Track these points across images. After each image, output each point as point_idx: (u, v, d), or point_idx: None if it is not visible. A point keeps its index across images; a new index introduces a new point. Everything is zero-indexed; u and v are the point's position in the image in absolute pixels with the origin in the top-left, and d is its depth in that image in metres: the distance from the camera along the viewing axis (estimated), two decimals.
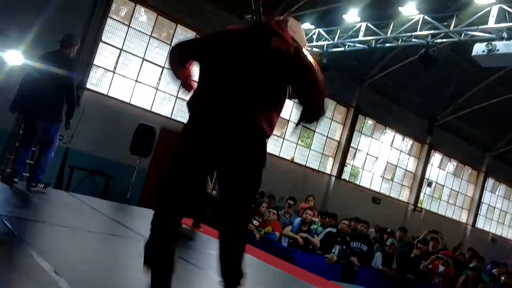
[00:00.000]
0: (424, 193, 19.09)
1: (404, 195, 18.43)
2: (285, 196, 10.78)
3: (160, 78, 11.99)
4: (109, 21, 11.18)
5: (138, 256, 3.63)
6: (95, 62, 11.11)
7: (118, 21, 11.42)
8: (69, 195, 6.50)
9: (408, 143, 18.32)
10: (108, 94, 11.32)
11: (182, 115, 12.37)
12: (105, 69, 11.36)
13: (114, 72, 11.45)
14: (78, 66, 5.61)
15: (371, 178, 17.20)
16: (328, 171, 15.93)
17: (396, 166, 18.03)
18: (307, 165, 15.31)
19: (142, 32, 11.71)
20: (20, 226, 3.69)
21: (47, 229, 3.94)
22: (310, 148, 15.52)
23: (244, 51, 2.55)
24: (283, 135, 14.67)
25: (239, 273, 2.58)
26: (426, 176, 18.78)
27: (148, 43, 11.78)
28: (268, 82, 2.52)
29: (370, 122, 17.06)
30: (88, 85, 10.96)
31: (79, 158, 10.48)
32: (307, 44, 2.87)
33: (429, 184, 19.00)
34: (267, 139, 2.58)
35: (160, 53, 11.96)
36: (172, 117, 12.26)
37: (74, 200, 6.00)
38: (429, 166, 18.79)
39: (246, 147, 2.49)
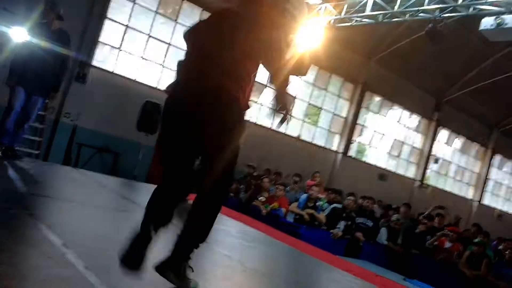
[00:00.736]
0: (431, 170, 19.09)
1: (411, 172, 18.45)
2: (291, 173, 10.85)
3: (166, 55, 11.95)
4: (106, 22, 11.07)
5: None
6: (101, 39, 11.08)
7: (116, 22, 11.30)
8: (77, 171, 6.58)
9: (415, 119, 18.24)
10: (114, 72, 11.32)
11: None
12: (111, 46, 11.34)
13: (119, 49, 11.43)
14: (65, 38, 5.62)
15: (377, 155, 17.21)
16: (334, 148, 15.94)
17: (403, 142, 18.00)
18: (314, 142, 15.32)
19: (147, 8, 11.63)
20: (29, 200, 3.76)
21: (55, 204, 4.01)
22: (317, 125, 15.51)
23: (218, 23, 2.56)
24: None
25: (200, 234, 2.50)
26: (433, 153, 18.75)
27: (153, 19, 11.71)
28: (234, 49, 2.47)
29: (377, 98, 16.97)
30: (94, 63, 10.97)
31: (86, 135, 10.56)
32: (304, 13, 2.77)
33: (436, 161, 18.99)
34: (238, 105, 2.48)
35: (166, 30, 11.90)
36: None
37: (82, 176, 6.09)
38: (436, 142, 18.74)
39: (215, 112, 2.39)
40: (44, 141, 10.27)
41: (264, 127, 13.76)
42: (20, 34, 5.69)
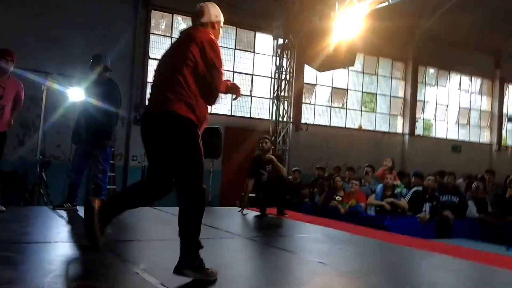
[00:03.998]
0: (506, 130, 18.05)
1: (485, 137, 17.54)
2: (362, 165, 10.63)
3: None
4: (152, 37, 11.47)
5: (231, 253, 3.72)
6: (149, 79, 11.44)
7: (160, 35, 11.70)
8: (155, 209, 6.77)
9: (477, 82, 17.38)
10: None
11: (242, 110, 12.50)
12: None
13: None
14: (113, 87, 5.83)
15: (446, 127, 16.53)
16: (399, 131, 15.48)
17: (470, 109, 17.18)
18: (376, 129, 14.96)
19: None
20: (120, 247, 3.90)
21: (145, 245, 4.13)
22: (375, 112, 15.15)
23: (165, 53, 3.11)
24: (344, 105, 14.41)
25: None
26: (505, 112, 17.74)
27: None
28: (177, 71, 2.86)
29: (431, 70, 16.35)
30: (146, 103, 11.33)
31: None
32: (220, 15, 3.30)
33: (510, 119, 17.95)
34: (187, 122, 2.83)
35: None
36: (232, 113, 12.39)
37: (161, 213, 6.25)
38: (505, 100, 17.74)
39: (163, 131, 2.85)
40: (118, 188, 10.69)
41: (322, 125, 13.62)
42: (77, 95, 6.02)
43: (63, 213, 5.53)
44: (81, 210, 5.79)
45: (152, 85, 3.13)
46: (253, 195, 7.11)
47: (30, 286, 2.61)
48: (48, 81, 6.87)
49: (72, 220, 5.25)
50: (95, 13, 10.18)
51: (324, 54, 9.43)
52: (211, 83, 2.93)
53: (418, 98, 15.68)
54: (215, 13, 3.25)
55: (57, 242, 3.97)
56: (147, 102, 3.11)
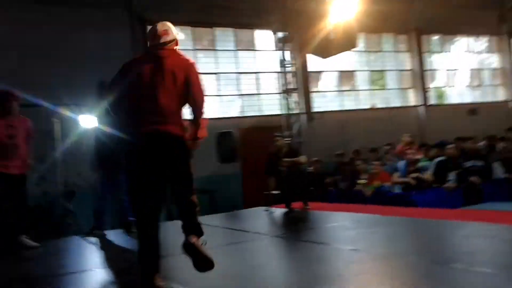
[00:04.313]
0: None
1: (500, 95, 17.23)
2: (381, 144, 10.54)
3: (218, 84, 12.16)
4: None
5: (263, 254, 3.72)
6: None
7: None
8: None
9: (483, 41, 17.06)
10: None
11: (252, 109, 12.47)
12: None
13: None
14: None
15: (459, 92, 16.27)
16: (412, 104, 15.29)
17: (480, 69, 16.88)
18: (390, 106, 14.80)
19: (185, 49, 11.93)
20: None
21: (176, 261, 4.14)
22: (386, 88, 14.98)
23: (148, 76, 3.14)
24: (354, 87, 14.30)
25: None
26: None
27: (195, 57, 11.99)
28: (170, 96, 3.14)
29: (435, 37, 16.11)
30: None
31: None
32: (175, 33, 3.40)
33: None
34: (183, 140, 3.17)
35: (209, 61, 12.13)
36: (243, 114, 12.38)
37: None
38: None
39: (168, 151, 3.12)
40: None
41: (334, 111, 13.53)
42: (88, 122, 6.07)
43: (94, 240, 5.59)
44: (110, 235, 5.88)
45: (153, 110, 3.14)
46: (277, 192, 7.10)
47: None
48: (60, 112, 6.96)
49: (103, 246, 5.31)
50: (95, 39, 10.22)
51: (326, 41, 9.36)
52: (202, 100, 3.26)
53: (426, 67, 15.46)
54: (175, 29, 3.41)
55: (92, 270, 4.02)
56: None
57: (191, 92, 3.18)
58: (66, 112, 7.38)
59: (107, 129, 5.68)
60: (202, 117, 3.27)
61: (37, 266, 4.32)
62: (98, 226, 5.89)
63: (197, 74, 3.24)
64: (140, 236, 3.15)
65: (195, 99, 3.21)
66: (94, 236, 5.77)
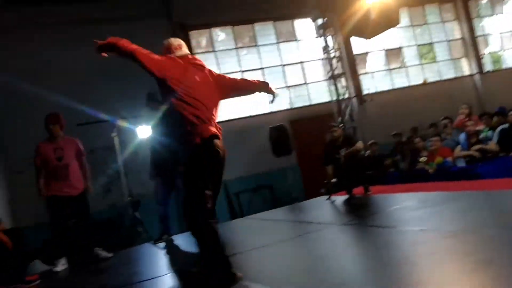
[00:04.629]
0: None
1: None
2: (437, 120, 10.20)
3: (264, 79, 12.16)
4: (196, 57, 11.67)
5: (330, 243, 3.71)
6: None
7: (204, 52, 11.89)
8: (247, 219, 6.90)
9: None
10: (225, 119, 11.72)
11: (301, 101, 12.40)
12: None
13: None
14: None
15: None
16: (467, 73, 14.67)
17: None
18: (444, 78, 14.27)
19: (227, 50, 12.04)
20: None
21: (245, 256, 4.21)
22: (436, 61, 14.45)
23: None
24: (403, 64, 13.89)
25: None
26: None
27: (237, 55, 12.07)
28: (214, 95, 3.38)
29: (484, 0, 15.35)
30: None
31: (237, 185, 11.06)
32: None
33: None
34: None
35: (252, 58, 12.17)
36: (293, 106, 12.33)
37: (253, 222, 6.35)
38: None
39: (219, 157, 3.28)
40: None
41: (385, 91, 13.22)
42: (144, 132, 6.26)
43: (163, 246, 5.79)
44: (177, 239, 6.06)
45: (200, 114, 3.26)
46: (335, 180, 7.04)
47: None
48: (119, 125, 7.22)
49: (173, 250, 5.49)
50: None
51: (366, 21, 9.16)
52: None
53: (478, 33, 14.77)
54: None
55: (166, 274, 4.16)
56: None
57: (224, 79, 3.48)
58: (124, 125, 7.65)
59: (161, 138, 5.87)
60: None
61: (112, 277, 4.51)
62: (166, 231, 6.08)
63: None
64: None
65: (231, 79, 3.54)
66: (163, 241, 5.97)
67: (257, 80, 3.75)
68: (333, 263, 3.37)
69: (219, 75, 3.52)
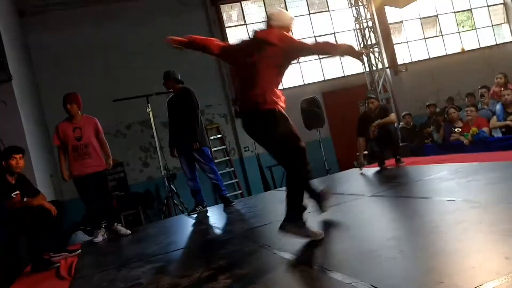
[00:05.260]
0: None
1: None
2: (476, 89, 9.94)
3: None
4: (228, 31, 11.71)
5: (361, 213, 3.78)
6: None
7: (235, 25, 11.91)
8: (279, 191, 7.00)
9: None
10: None
11: (334, 72, 12.28)
12: None
13: None
14: (187, 95, 6.08)
15: None
16: (508, 39, 14.11)
17: None
18: (482, 46, 13.79)
19: (259, 22, 12.00)
20: (249, 233, 4.15)
21: (275, 225, 4.32)
22: (475, 28, 13.95)
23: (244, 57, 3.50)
24: (439, 32, 13.48)
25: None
26: None
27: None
28: (259, 73, 3.40)
29: None
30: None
31: (269, 158, 11.16)
32: (291, 18, 3.68)
33: None
34: (267, 109, 3.38)
35: None
36: (325, 78, 12.24)
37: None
38: None
39: (257, 119, 3.46)
40: (240, 180, 11.19)
41: (421, 61, 12.92)
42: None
43: (197, 217, 6.00)
44: (211, 210, 6.25)
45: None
46: (367, 152, 7.04)
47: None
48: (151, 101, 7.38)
49: (206, 221, 5.68)
50: (169, 25, 10.60)
51: None
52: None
53: None
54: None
55: (195, 246, 4.33)
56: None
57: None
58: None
59: (178, 113, 6.04)
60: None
61: (150, 245, 4.72)
62: (199, 203, 6.27)
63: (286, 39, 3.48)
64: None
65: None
66: (197, 212, 6.17)
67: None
68: (360, 232, 3.44)
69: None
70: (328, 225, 3.80)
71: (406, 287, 2.19)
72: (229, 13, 11.99)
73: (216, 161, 10.09)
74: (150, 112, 7.27)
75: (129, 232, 5.70)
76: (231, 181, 11.06)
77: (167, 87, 6.23)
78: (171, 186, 7.93)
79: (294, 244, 3.27)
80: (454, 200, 3.64)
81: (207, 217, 5.90)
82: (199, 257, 3.80)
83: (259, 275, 2.90)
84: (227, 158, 11.36)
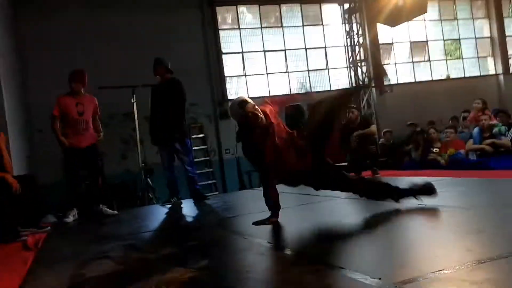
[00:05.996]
0: None
1: None
2: (458, 115, 10.15)
3: (286, 61, 12.23)
4: (221, 33, 11.78)
5: (333, 213, 3.82)
6: (226, 74, 11.77)
7: (229, 28, 12.00)
8: (255, 190, 7.03)
9: None
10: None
11: (320, 84, 12.42)
12: (236, 76, 11.99)
13: (245, 76, 12.00)
14: (175, 85, 6.13)
15: None
16: (492, 72, 14.49)
17: None
18: (466, 75, 14.12)
19: (252, 28, 12.11)
20: (221, 221, 4.17)
21: (247, 218, 4.35)
22: (462, 58, 14.30)
23: None
24: (427, 58, 13.78)
25: None
26: None
27: (262, 34, 12.14)
28: None
29: None
30: (229, 97, 11.64)
31: (249, 163, 11.20)
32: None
33: None
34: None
35: (276, 39, 12.23)
36: (312, 90, 12.36)
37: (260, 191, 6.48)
38: None
39: None
40: (217, 182, 11.19)
41: (407, 83, 13.16)
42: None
43: (171, 207, 5.99)
44: (183, 203, 6.25)
45: None
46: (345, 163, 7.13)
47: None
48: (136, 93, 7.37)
49: (179, 210, 5.69)
50: (163, 20, 10.64)
51: (394, 8, 9.16)
52: None
53: (507, 33, 14.56)
54: None
55: (170, 228, 4.34)
56: None
57: None
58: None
59: (162, 103, 6.07)
60: None
61: (121, 227, 4.70)
62: (173, 194, 6.26)
63: None
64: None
65: None
66: (171, 203, 6.16)
67: None
68: (329, 224, 3.50)
69: None
70: (294, 219, 3.90)
71: (370, 269, 2.25)
72: (224, 16, 12.08)
73: (195, 160, 10.07)
74: (135, 103, 7.26)
75: (116, 212, 5.80)
76: (209, 182, 11.03)
77: (157, 73, 6.23)
78: (148, 179, 7.89)
79: (261, 231, 3.33)
80: (425, 205, 3.73)
81: (181, 208, 5.91)
82: (170, 238, 3.81)
83: (229, 255, 2.93)
84: (207, 158, 11.35)
